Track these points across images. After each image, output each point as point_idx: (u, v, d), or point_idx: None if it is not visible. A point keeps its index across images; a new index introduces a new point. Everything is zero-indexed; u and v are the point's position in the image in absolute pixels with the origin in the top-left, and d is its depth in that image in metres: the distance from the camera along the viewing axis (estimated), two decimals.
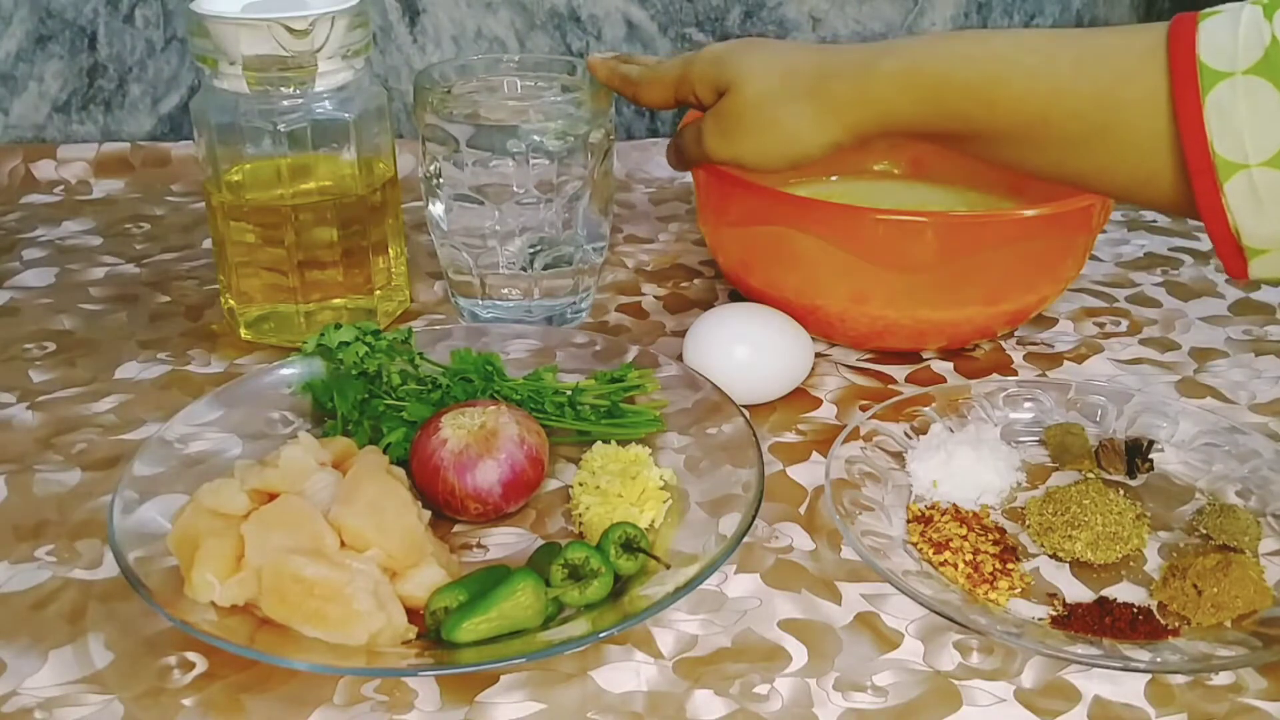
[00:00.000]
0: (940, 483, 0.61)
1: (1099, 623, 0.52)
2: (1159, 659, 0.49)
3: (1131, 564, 0.57)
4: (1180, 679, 0.50)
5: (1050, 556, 0.57)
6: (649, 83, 0.67)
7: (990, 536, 0.57)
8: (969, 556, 0.55)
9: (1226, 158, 0.46)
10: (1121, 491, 0.60)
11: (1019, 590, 0.54)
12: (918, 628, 0.52)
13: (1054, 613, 0.53)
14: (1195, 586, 0.53)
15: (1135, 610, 0.53)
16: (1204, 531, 0.58)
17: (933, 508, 0.59)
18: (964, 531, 0.57)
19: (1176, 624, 0.52)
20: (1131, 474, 0.63)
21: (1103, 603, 0.53)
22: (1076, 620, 0.52)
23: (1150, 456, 0.63)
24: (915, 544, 0.57)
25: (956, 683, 0.50)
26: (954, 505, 0.60)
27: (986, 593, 0.54)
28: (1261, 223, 0.47)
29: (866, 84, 0.57)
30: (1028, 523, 0.59)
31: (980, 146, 0.56)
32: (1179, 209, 0.50)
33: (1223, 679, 0.50)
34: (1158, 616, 0.53)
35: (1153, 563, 0.57)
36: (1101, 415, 0.67)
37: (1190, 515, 0.60)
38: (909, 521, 0.59)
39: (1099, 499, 0.58)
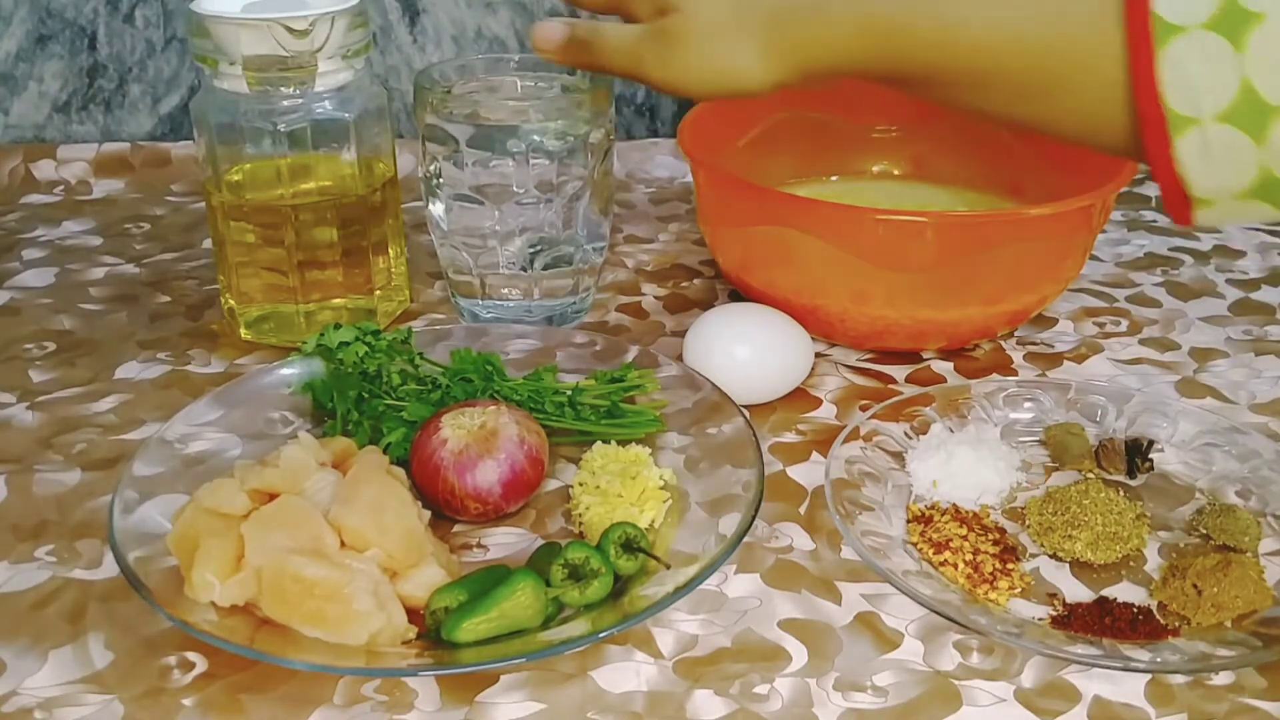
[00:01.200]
0: (940, 483, 0.61)
1: (1099, 623, 0.52)
2: (1159, 659, 0.49)
3: (1131, 564, 0.57)
4: (1180, 679, 0.50)
5: (1050, 556, 0.57)
6: None
7: (990, 536, 0.57)
8: (969, 556, 0.55)
9: (1179, 111, 0.46)
10: (1121, 491, 0.60)
11: (1019, 590, 0.54)
12: (918, 628, 0.52)
13: (1054, 613, 0.53)
14: (1195, 586, 0.53)
15: (1135, 610, 0.53)
16: (1204, 531, 0.58)
17: (933, 508, 0.59)
18: (964, 531, 0.57)
19: (1176, 624, 0.52)
20: (1131, 474, 0.63)
21: (1103, 603, 0.53)
22: (1076, 620, 0.52)
23: (1150, 456, 0.63)
24: (915, 544, 0.57)
25: (956, 683, 0.50)
26: (954, 505, 0.60)
27: (986, 593, 0.54)
28: (1210, 175, 0.47)
29: (820, 27, 0.55)
30: (1028, 523, 0.59)
31: (933, 91, 0.55)
32: (1131, 155, 0.50)
33: (1223, 679, 0.50)
34: (1158, 616, 0.53)
35: (1153, 563, 0.57)
36: (1101, 415, 0.67)
37: (1190, 515, 0.60)
38: (909, 521, 0.59)
39: (1099, 499, 0.58)
